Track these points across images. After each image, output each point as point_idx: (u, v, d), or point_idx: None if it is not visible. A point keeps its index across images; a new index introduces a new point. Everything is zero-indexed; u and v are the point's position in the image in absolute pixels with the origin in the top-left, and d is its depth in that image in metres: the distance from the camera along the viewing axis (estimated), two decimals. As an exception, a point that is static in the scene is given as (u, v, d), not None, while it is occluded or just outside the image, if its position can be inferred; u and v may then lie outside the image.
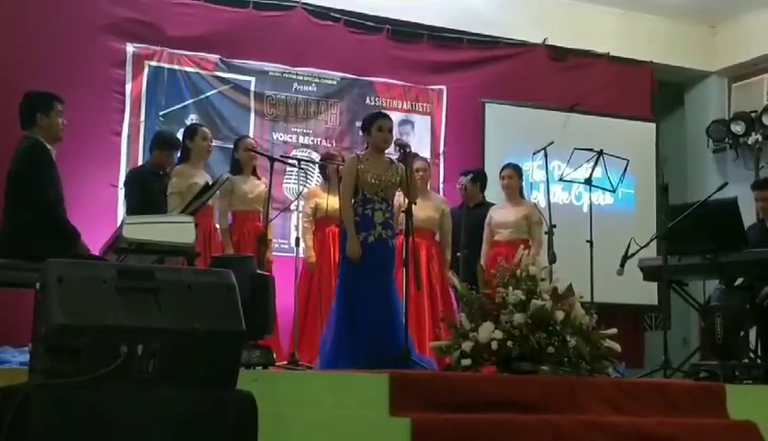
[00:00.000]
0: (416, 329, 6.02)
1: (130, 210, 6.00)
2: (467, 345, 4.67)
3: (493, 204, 7.09)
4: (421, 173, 6.68)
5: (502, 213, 6.81)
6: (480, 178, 7.15)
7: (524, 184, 7.07)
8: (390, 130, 5.45)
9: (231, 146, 6.59)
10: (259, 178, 6.37)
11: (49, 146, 4.69)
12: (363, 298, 5.19)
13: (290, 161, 6.72)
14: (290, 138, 7.72)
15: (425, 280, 6.37)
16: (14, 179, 4.61)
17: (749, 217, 6.24)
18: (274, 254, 6.51)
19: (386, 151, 5.49)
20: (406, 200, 5.25)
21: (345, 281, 5.33)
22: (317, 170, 7.12)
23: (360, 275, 5.23)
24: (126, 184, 6.33)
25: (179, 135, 6.48)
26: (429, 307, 6.40)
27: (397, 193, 5.53)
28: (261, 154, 6.37)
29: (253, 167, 6.38)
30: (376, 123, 5.41)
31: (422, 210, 6.38)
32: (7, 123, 4.97)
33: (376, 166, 5.35)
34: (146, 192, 5.95)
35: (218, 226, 6.18)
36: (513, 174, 6.90)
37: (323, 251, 6.38)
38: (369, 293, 5.19)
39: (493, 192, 7.22)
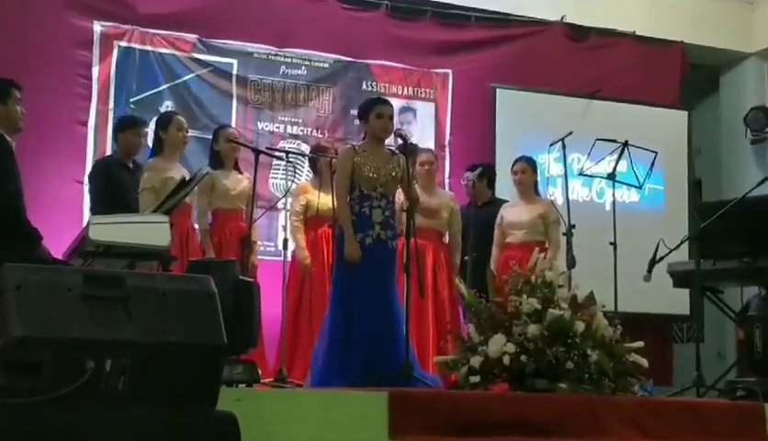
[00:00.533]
0: (420, 342, 6.03)
1: (95, 207, 6.01)
2: (475, 360, 4.67)
3: (505, 201, 7.10)
4: (427, 166, 6.69)
5: (514, 212, 6.80)
6: (487, 173, 7.14)
7: (539, 179, 7.06)
8: (391, 118, 5.46)
9: (210, 136, 6.59)
10: (242, 173, 6.37)
11: (8, 137, 4.70)
12: (359, 306, 5.19)
13: (277, 153, 6.73)
14: (277, 127, 7.73)
15: (431, 287, 6.39)
16: (-33, 174, 4.61)
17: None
18: (259, 257, 6.51)
19: (386, 141, 5.50)
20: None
21: (340, 288, 5.33)
22: (307, 164, 7.13)
23: (357, 280, 5.23)
24: (90, 177, 6.32)
25: (152, 125, 6.49)
26: (434, 317, 6.39)
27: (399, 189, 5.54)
28: (244, 146, 6.37)
29: (234, 160, 6.37)
30: (374, 109, 5.41)
31: (428, 208, 6.40)
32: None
33: (374, 158, 5.35)
34: (112, 186, 5.95)
35: (196, 226, 6.18)
36: (527, 168, 6.89)
37: (315, 254, 6.37)
38: (367, 301, 5.19)
39: (506, 188, 7.23)
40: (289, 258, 6.16)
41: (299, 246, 6.32)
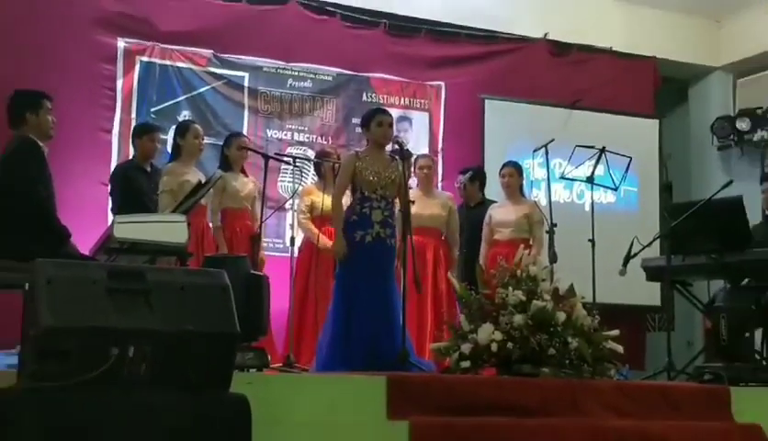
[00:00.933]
0: (418, 332, 6.02)
1: (116, 208, 5.99)
2: (466, 347, 4.68)
3: (494, 202, 7.10)
4: (425, 170, 6.73)
5: (502, 212, 6.81)
6: (478, 177, 7.14)
7: (524, 182, 7.06)
8: (391, 125, 5.46)
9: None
10: (247, 176, 6.38)
11: (40, 144, 4.70)
12: (360, 299, 5.19)
13: (285, 159, 6.71)
14: (285, 135, 7.72)
15: (430, 282, 6.38)
16: (4, 177, 4.61)
17: (754, 215, 6.24)
18: (268, 253, 6.51)
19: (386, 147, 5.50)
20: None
21: (342, 282, 5.32)
22: (312, 168, 7.12)
23: (357, 276, 5.23)
24: (110, 180, 6.31)
25: (171, 132, 6.48)
26: (432, 309, 6.38)
27: None
28: (255, 152, 6.37)
29: (241, 165, 6.37)
30: (375, 118, 5.42)
31: (427, 208, 6.40)
32: (-1, 121, 4.96)
33: (375, 163, 5.34)
34: (131, 188, 5.93)
35: (211, 224, 6.17)
36: (514, 172, 6.90)
37: (320, 250, 6.36)
38: (367, 295, 5.18)
39: (494, 190, 7.22)
40: (296, 254, 6.14)
41: (313, 233, 6.26)
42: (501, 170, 6.97)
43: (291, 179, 6.95)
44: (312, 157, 7.23)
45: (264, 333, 4.89)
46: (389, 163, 5.39)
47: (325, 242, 6.14)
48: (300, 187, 6.63)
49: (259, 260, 5.90)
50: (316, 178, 6.80)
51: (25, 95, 4.83)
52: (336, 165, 6.04)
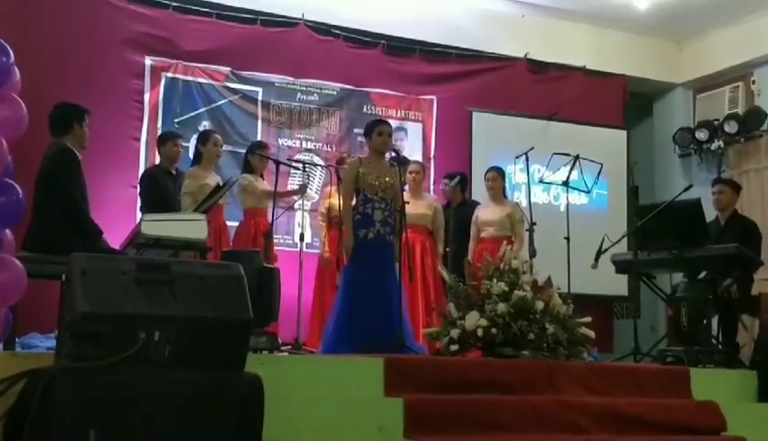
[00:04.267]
0: (410, 318, 6.00)
1: (144, 207, 5.98)
2: (455, 332, 4.67)
3: (477, 202, 7.10)
4: (414, 175, 6.72)
5: (487, 212, 6.80)
6: (461, 181, 7.10)
7: (507, 185, 7.05)
8: (390, 135, 5.48)
9: (242, 150, 6.63)
10: (264, 180, 6.38)
11: (77, 152, 4.70)
12: (363, 290, 5.17)
13: (294, 164, 6.72)
14: (294, 143, 7.71)
15: (420, 272, 6.38)
16: (44, 180, 4.61)
17: (711, 216, 6.25)
18: (279, 248, 6.53)
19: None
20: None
21: (348, 275, 5.32)
22: (319, 172, 7.13)
23: (361, 269, 5.23)
24: (140, 183, 6.30)
25: (193, 140, 6.48)
26: (423, 296, 6.39)
27: None
28: (268, 158, 6.38)
29: (262, 170, 6.40)
30: (376, 129, 5.43)
31: (416, 208, 6.39)
32: (36, 131, 4.91)
33: (376, 168, 5.35)
34: (158, 190, 5.90)
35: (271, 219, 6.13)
36: (497, 176, 6.87)
37: (335, 248, 6.34)
38: (369, 286, 5.17)
39: (481, 192, 7.21)
40: (306, 249, 6.14)
41: (322, 242, 6.37)
42: (486, 174, 6.96)
43: (300, 182, 6.95)
44: (319, 162, 7.27)
45: (275, 319, 4.89)
46: (389, 169, 5.39)
47: (326, 251, 6.32)
48: (309, 191, 6.63)
49: (272, 256, 5.90)
50: (335, 182, 6.75)
51: (72, 107, 4.82)
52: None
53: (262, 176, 6.40)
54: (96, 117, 5.05)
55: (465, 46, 8.37)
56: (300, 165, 6.62)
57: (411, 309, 6.09)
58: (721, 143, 8.71)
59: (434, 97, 8.28)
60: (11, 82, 3.49)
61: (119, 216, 6.32)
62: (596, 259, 5.84)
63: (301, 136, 7.74)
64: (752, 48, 8.42)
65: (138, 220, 5.27)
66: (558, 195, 8.20)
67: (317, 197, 7.38)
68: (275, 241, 6.34)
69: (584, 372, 4.41)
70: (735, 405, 4.51)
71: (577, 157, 6.62)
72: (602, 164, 6.70)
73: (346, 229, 5.28)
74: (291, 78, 7.72)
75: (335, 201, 6.28)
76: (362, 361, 4.09)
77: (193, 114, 7.31)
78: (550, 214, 7.66)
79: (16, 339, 4.35)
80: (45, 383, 2.57)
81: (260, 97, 7.60)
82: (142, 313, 2.73)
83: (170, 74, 7.27)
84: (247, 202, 6.24)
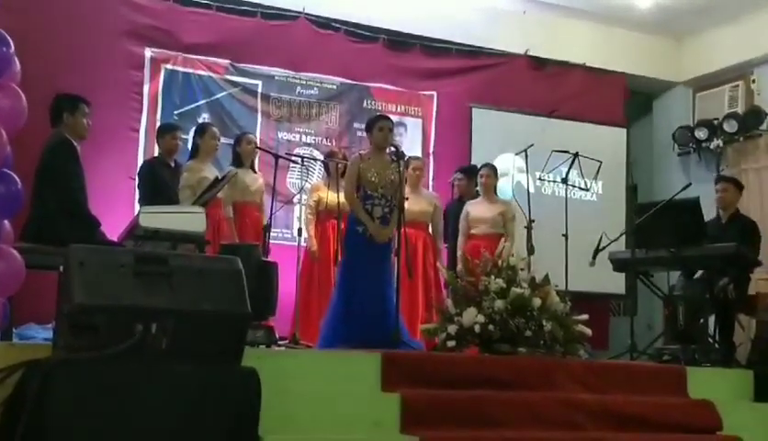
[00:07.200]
0: (410, 314, 6.01)
1: (142, 199, 5.97)
2: (452, 328, 4.68)
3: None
4: (417, 171, 6.70)
5: (479, 209, 6.71)
6: (475, 176, 7.01)
7: (507, 182, 7.03)
8: (390, 130, 5.46)
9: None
10: (256, 172, 6.35)
11: (74, 142, 4.68)
12: (360, 286, 5.18)
13: (294, 158, 6.71)
14: (294, 137, 7.70)
15: (420, 268, 6.38)
16: (42, 171, 4.60)
17: (710, 214, 6.25)
18: (277, 242, 6.48)
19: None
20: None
21: (345, 270, 5.33)
22: (318, 166, 7.11)
23: (358, 265, 5.23)
24: (138, 174, 6.28)
25: (191, 133, 6.46)
26: (423, 292, 6.37)
27: None
28: (267, 152, 6.35)
29: (251, 161, 6.34)
30: (377, 124, 5.43)
31: (416, 205, 6.39)
32: (40, 121, 4.92)
33: (377, 164, 5.35)
34: (156, 182, 5.89)
35: (229, 216, 6.11)
36: (491, 173, 6.80)
37: (323, 241, 6.35)
38: (366, 282, 5.18)
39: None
40: (303, 244, 6.14)
41: (309, 235, 6.30)
42: (479, 170, 6.92)
43: (299, 176, 6.94)
44: (318, 157, 7.24)
45: (272, 313, 4.89)
46: (389, 165, 5.38)
47: (313, 244, 6.23)
48: (308, 184, 6.60)
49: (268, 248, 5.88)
50: (324, 175, 6.75)
51: (64, 97, 4.81)
52: (341, 165, 6.04)
53: (253, 168, 6.35)
54: (95, 108, 5.03)
55: (465, 41, 8.36)
56: (299, 159, 6.60)
57: (410, 305, 6.11)
58: (720, 142, 8.71)
59: (434, 93, 8.27)
60: (11, 72, 3.49)
61: (118, 207, 6.31)
62: (594, 257, 5.84)
63: (301, 130, 7.73)
64: (752, 47, 8.41)
65: (136, 211, 5.27)
66: (556, 192, 8.20)
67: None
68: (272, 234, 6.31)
69: (581, 369, 4.41)
70: (731, 404, 4.51)
71: (576, 155, 6.62)
72: (601, 162, 6.70)
73: (366, 221, 5.24)
74: (291, 71, 7.70)
75: (324, 195, 6.30)
76: (359, 356, 4.09)
77: (192, 106, 7.29)
78: (549, 211, 7.65)
79: (14, 330, 4.35)
80: (42, 374, 2.57)
81: (260, 90, 7.58)
82: (140, 305, 2.74)
83: (170, 66, 7.25)
84: (235, 196, 6.18)
